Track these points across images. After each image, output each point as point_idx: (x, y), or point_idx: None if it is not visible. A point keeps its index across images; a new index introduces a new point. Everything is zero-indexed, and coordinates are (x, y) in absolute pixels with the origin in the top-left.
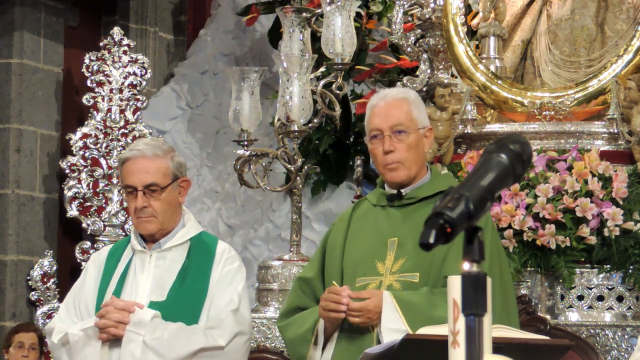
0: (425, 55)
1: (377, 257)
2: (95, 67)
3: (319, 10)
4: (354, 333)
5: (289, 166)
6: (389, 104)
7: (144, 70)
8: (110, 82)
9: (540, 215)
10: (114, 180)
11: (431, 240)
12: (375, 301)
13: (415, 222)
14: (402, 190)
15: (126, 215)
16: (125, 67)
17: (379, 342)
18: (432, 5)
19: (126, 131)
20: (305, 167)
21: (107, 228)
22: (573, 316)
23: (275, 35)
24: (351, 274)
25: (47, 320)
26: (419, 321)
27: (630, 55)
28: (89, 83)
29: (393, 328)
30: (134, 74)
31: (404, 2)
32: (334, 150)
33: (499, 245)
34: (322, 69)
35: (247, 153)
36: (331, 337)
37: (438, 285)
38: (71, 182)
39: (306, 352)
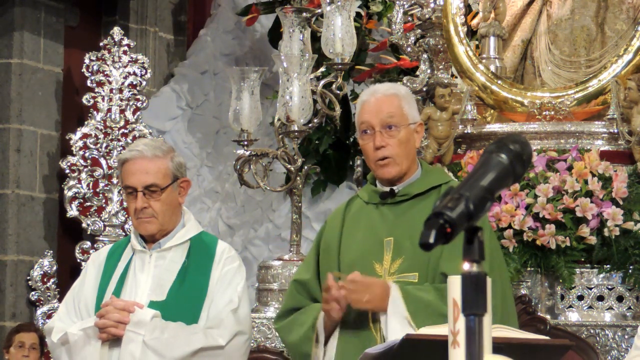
0: (425, 55)
1: (375, 258)
2: (95, 67)
3: (319, 10)
4: (358, 329)
5: (289, 166)
6: (380, 100)
7: (144, 70)
8: (110, 82)
9: (540, 215)
10: (114, 180)
11: (431, 240)
12: (382, 282)
13: (410, 221)
14: (395, 188)
15: (126, 215)
16: (125, 67)
17: (382, 338)
18: (432, 5)
19: (126, 131)
20: (305, 167)
21: (107, 228)
22: (573, 316)
23: (275, 35)
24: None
25: (47, 320)
26: (421, 312)
27: (630, 55)
28: (89, 83)
29: (398, 312)
30: (134, 74)
31: (404, 2)
32: (334, 150)
33: (497, 245)
34: (322, 69)
35: (247, 153)
36: (332, 334)
37: (436, 283)
38: (71, 182)
39: (309, 350)
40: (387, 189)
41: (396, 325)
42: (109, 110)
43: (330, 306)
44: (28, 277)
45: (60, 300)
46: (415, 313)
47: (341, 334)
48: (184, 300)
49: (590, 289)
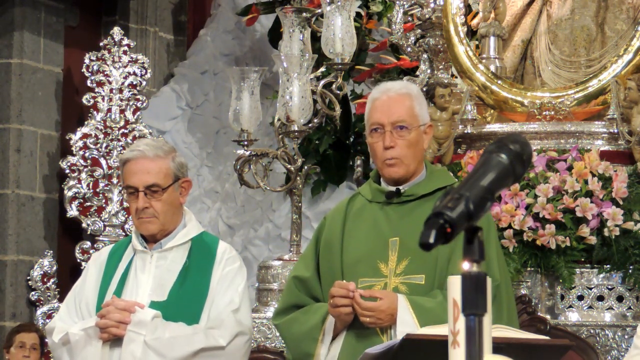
0: (425, 55)
1: (379, 258)
2: (95, 67)
3: (319, 10)
4: (363, 331)
5: (289, 166)
6: (392, 99)
7: (144, 70)
8: (110, 82)
9: (540, 215)
10: (114, 180)
11: (431, 240)
12: (388, 303)
13: (416, 221)
14: (401, 188)
15: (126, 215)
16: (125, 67)
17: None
18: (432, 5)
19: (126, 131)
20: (305, 167)
21: (107, 228)
22: (573, 316)
23: (275, 35)
24: (352, 275)
25: (47, 321)
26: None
27: (630, 55)
28: (89, 83)
29: (409, 332)
30: (134, 74)
31: (404, 2)
32: (334, 150)
33: (500, 247)
34: (322, 69)
35: (247, 153)
36: (339, 334)
37: (445, 286)
38: (71, 182)
39: (313, 350)
40: (393, 188)
41: None
42: (109, 110)
43: (337, 311)
44: (28, 277)
45: (60, 300)
46: (423, 321)
47: (347, 334)
48: (185, 301)
49: (590, 289)
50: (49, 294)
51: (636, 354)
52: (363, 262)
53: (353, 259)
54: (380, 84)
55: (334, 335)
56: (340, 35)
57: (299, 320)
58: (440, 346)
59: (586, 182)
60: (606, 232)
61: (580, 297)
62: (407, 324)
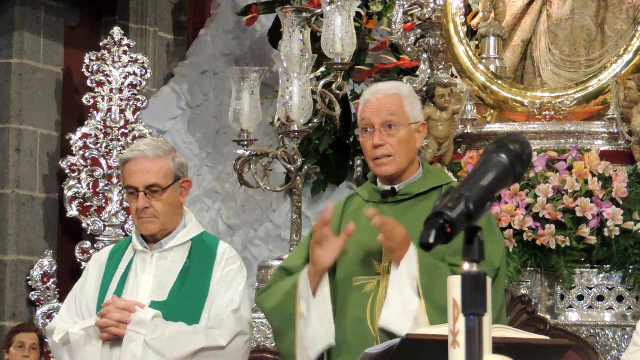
0: (425, 55)
1: (374, 256)
2: (95, 67)
3: (319, 10)
4: (355, 326)
5: (289, 166)
6: (381, 99)
7: (144, 70)
8: (110, 82)
9: (540, 215)
10: (114, 180)
11: (431, 240)
12: (406, 235)
13: (410, 220)
14: (396, 187)
15: (126, 215)
16: (125, 67)
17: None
18: (432, 5)
19: (126, 131)
20: (305, 167)
21: (107, 228)
22: (573, 316)
23: (275, 35)
24: (347, 273)
25: (47, 321)
26: (430, 273)
27: (630, 55)
28: (89, 83)
29: (409, 273)
30: (134, 74)
31: (404, 2)
32: (334, 150)
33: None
34: (322, 69)
35: (247, 153)
36: (319, 285)
37: None
38: (71, 182)
39: (293, 309)
40: (388, 187)
41: (405, 280)
42: (109, 110)
43: (322, 233)
44: (28, 277)
45: (60, 300)
46: (424, 271)
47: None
48: (185, 301)
49: (590, 289)
50: (49, 294)
51: (635, 350)
52: (357, 261)
53: (348, 258)
54: (372, 85)
55: (314, 289)
56: (340, 35)
57: (276, 288)
58: (440, 346)
59: (586, 182)
60: (606, 232)
61: (580, 297)
62: (410, 266)
